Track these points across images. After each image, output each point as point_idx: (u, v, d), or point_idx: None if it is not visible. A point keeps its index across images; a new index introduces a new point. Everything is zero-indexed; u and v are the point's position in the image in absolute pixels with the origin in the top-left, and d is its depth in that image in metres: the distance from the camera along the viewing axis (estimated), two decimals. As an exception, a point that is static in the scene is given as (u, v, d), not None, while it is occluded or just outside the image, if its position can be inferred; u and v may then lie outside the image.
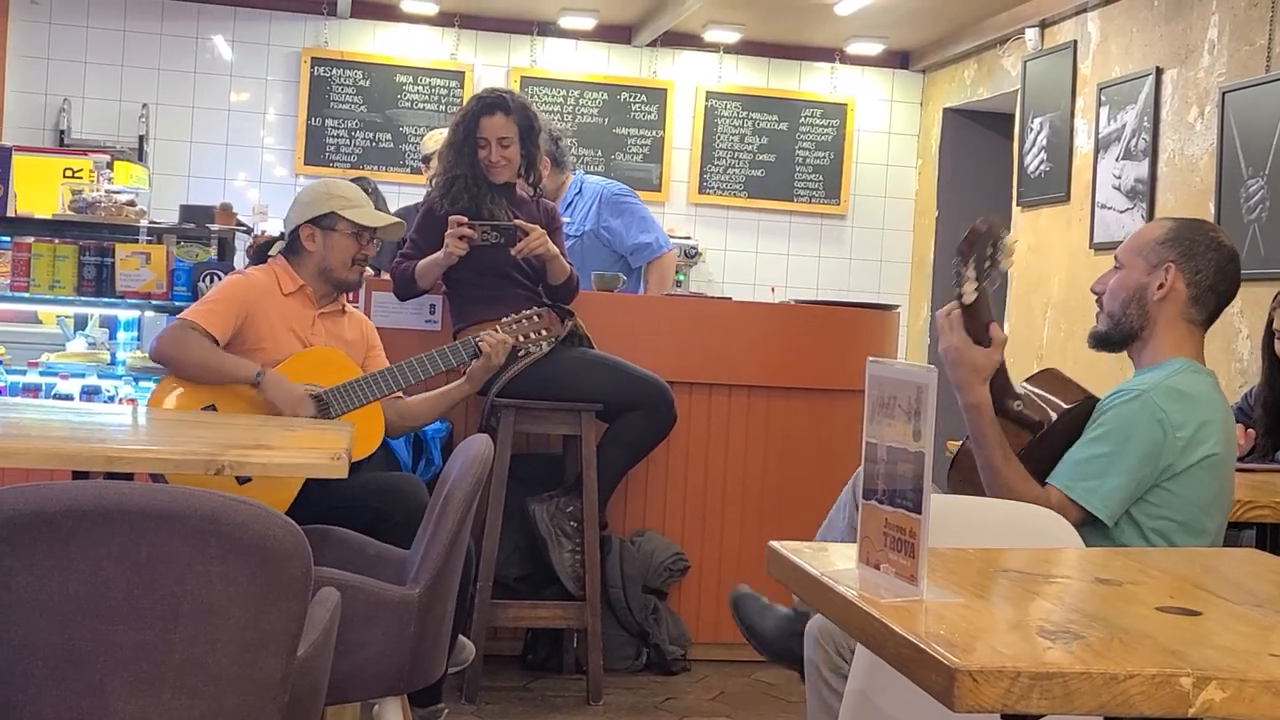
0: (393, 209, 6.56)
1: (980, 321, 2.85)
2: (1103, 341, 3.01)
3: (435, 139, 6.20)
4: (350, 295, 4.37)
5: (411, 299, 4.64)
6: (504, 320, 4.24)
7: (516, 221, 4.43)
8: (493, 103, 4.54)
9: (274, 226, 6.28)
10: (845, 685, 2.44)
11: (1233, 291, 2.95)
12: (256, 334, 3.96)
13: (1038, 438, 2.93)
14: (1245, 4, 6.05)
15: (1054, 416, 2.96)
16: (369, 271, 5.94)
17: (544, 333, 4.26)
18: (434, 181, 4.70)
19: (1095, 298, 3.03)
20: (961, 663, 1.36)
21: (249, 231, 5.72)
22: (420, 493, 3.81)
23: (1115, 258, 3.01)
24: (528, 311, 4.28)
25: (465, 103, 4.64)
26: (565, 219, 5.51)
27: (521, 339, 4.23)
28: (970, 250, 2.79)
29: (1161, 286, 2.89)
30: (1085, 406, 2.94)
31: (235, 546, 2.03)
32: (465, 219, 4.36)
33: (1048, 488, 2.81)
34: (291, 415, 3.80)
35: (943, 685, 1.37)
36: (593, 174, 5.98)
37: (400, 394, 4.13)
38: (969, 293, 2.80)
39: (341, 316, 4.18)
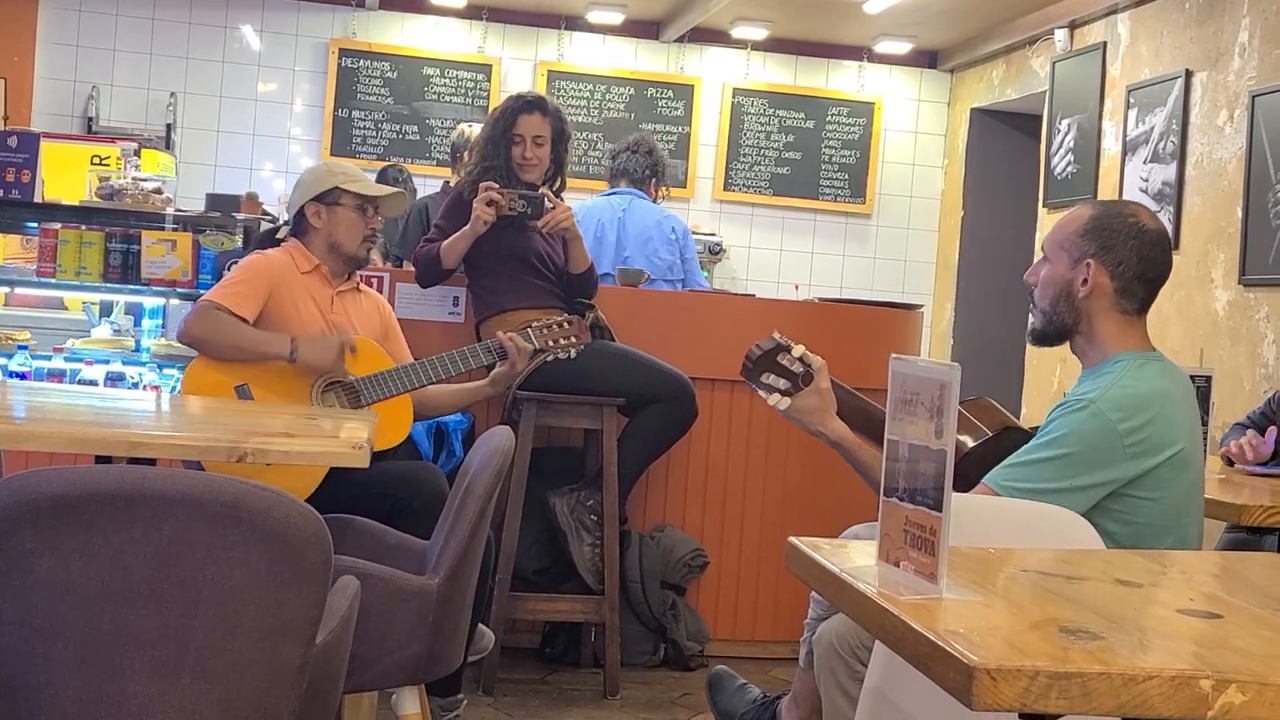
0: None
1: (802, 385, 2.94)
2: (1040, 338, 2.93)
3: (473, 133, 6.26)
4: (363, 277, 4.40)
5: (434, 284, 4.65)
6: (534, 324, 4.27)
7: (543, 191, 4.49)
8: (532, 102, 4.65)
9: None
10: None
11: (1163, 275, 2.85)
12: (282, 311, 3.99)
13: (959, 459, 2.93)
14: (1277, 8, 6.02)
15: (971, 441, 2.96)
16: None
17: (572, 339, 4.30)
18: (463, 171, 4.78)
19: (1029, 291, 2.97)
20: (980, 661, 1.36)
21: (274, 221, 5.75)
22: (440, 481, 3.84)
23: (1042, 248, 2.94)
24: (559, 318, 4.31)
25: (504, 100, 4.72)
26: None
27: (550, 344, 4.26)
28: (755, 373, 2.91)
29: (1085, 282, 2.81)
30: (1006, 438, 2.91)
31: (256, 533, 2.04)
32: (495, 184, 4.43)
33: (979, 484, 2.74)
34: (339, 367, 3.89)
35: (961, 683, 1.37)
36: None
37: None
38: (779, 403, 2.91)
39: (358, 295, 4.22)
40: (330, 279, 4.12)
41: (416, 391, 4.11)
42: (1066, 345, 2.94)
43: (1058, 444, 2.70)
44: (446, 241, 4.49)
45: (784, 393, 2.91)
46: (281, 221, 4.30)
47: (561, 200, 4.68)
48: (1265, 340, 5.90)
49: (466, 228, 4.43)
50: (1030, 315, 2.96)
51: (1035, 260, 2.97)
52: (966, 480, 2.79)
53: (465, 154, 5.97)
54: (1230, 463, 3.99)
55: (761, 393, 2.92)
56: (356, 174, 4.20)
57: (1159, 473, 2.70)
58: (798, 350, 2.91)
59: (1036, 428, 2.88)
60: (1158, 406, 2.73)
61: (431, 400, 4.22)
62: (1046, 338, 2.93)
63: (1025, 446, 2.78)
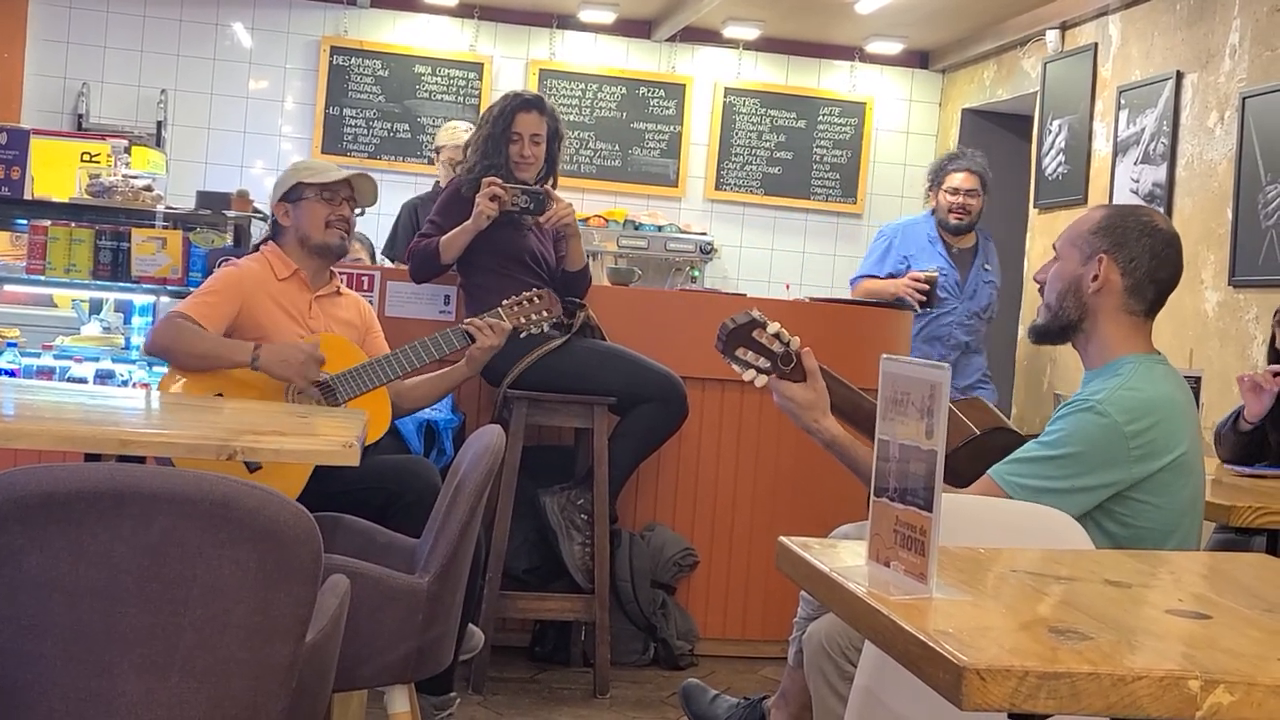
0: (406, 198, 6.61)
1: (799, 369, 2.88)
2: (1042, 334, 2.92)
3: (450, 133, 6.28)
4: (354, 281, 4.40)
5: (429, 279, 4.65)
6: (505, 303, 4.26)
7: (547, 188, 4.50)
8: (531, 101, 4.67)
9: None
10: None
11: (1173, 278, 2.83)
12: (256, 322, 3.98)
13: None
14: (1268, 9, 6.03)
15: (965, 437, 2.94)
16: (386, 262, 5.99)
17: (545, 314, 4.27)
18: (459, 168, 4.79)
19: (1038, 288, 2.94)
20: (970, 661, 1.36)
21: (265, 219, 5.73)
22: (432, 474, 3.84)
23: (1053, 247, 2.92)
24: (528, 293, 4.29)
25: (501, 98, 4.71)
26: None
27: (523, 320, 4.24)
28: (729, 347, 2.85)
29: (1096, 278, 2.80)
30: (995, 438, 2.90)
31: (246, 531, 2.04)
32: (498, 180, 4.43)
33: (983, 477, 2.74)
34: (302, 380, 3.84)
35: (950, 683, 1.37)
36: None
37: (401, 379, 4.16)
38: (756, 379, 2.86)
39: (338, 298, 4.21)
40: (308, 283, 4.12)
41: (395, 388, 4.10)
42: (1059, 345, 2.94)
43: (1063, 443, 2.70)
44: (445, 237, 4.49)
45: (762, 371, 2.88)
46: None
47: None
48: (1254, 341, 5.91)
49: (468, 223, 4.44)
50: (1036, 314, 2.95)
51: (1048, 260, 2.96)
52: (955, 475, 2.79)
53: (441, 150, 6.06)
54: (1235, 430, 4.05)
55: (736, 367, 2.87)
56: (320, 167, 4.25)
57: (1162, 477, 2.70)
58: (773, 327, 2.86)
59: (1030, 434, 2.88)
60: (1164, 410, 2.73)
61: (410, 394, 4.20)
62: (1048, 334, 2.91)
63: (1030, 443, 2.77)
